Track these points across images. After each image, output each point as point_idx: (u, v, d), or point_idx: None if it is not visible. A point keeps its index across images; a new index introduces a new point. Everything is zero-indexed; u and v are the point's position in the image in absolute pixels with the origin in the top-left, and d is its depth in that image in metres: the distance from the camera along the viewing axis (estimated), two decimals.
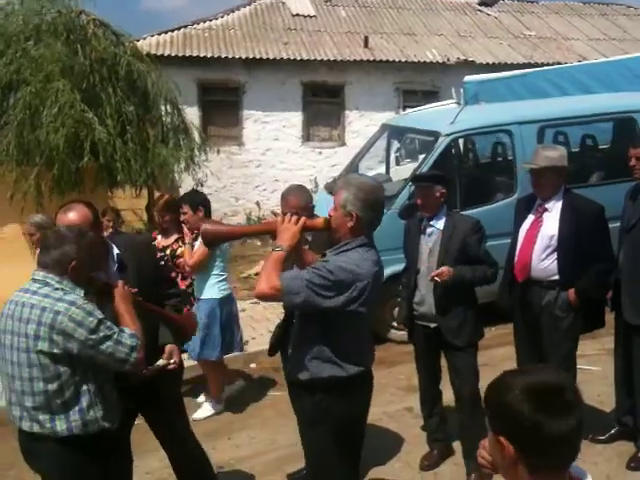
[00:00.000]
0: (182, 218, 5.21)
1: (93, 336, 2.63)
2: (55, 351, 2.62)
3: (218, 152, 10.65)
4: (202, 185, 10.67)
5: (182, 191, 12.03)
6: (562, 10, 17.31)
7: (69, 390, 2.69)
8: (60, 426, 2.70)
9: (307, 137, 13.49)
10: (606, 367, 4.99)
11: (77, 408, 2.71)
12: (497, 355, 5.81)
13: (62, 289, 2.69)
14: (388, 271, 6.20)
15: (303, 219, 2.93)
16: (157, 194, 10.05)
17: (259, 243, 12.13)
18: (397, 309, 6.45)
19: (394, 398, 5.42)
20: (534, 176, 4.27)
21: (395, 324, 6.66)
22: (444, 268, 4.00)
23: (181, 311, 3.73)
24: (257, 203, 13.15)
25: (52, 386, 2.67)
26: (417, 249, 4.27)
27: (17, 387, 2.72)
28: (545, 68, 10.91)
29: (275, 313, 7.53)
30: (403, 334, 6.50)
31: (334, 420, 2.97)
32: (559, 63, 12.76)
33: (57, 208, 8.56)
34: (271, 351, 4.26)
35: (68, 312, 2.61)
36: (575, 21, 16.69)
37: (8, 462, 4.84)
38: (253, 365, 6.41)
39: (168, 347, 3.31)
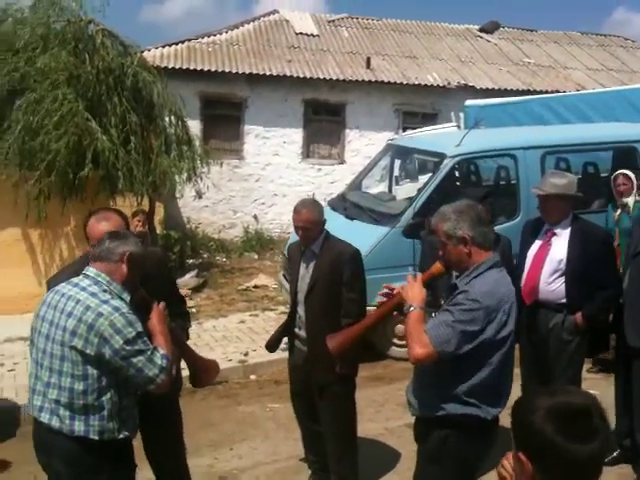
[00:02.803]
0: None
1: (128, 347, 2.61)
2: (88, 351, 2.61)
3: (221, 164, 10.70)
4: (201, 197, 10.72)
5: (181, 202, 12.13)
6: (561, 39, 17.62)
7: (92, 395, 2.67)
8: (78, 426, 2.68)
9: (307, 154, 13.58)
10: (604, 391, 5.05)
11: (98, 414, 2.69)
12: None
13: (110, 292, 2.70)
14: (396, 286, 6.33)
15: (419, 275, 2.93)
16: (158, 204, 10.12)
17: (256, 256, 12.17)
18: (398, 326, 6.49)
19: (394, 414, 5.45)
20: (541, 201, 4.36)
21: (396, 341, 6.69)
22: None
23: (187, 331, 3.67)
24: (255, 217, 13.19)
25: (78, 386, 2.65)
26: None
27: (44, 377, 2.71)
28: (545, 95, 11.10)
29: (274, 326, 7.56)
30: (403, 351, 6.57)
31: (459, 459, 2.84)
32: (557, 91, 13.00)
33: (55, 215, 8.58)
34: (270, 348, 4.31)
35: (110, 317, 2.60)
36: (574, 51, 16.98)
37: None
38: (253, 377, 6.42)
39: None
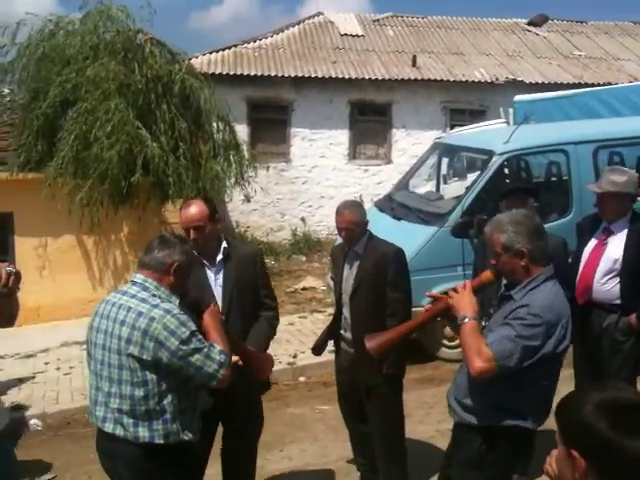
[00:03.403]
0: None
1: (184, 347, 2.62)
2: (144, 357, 2.63)
3: (268, 169, 10.78)
4: (249, 200, 10.83)
5: (230, 206, 12.27)
6: (612, 30, 17.15)
7: (153, 399, 2.68)
8: (142, 432, 2.69)
9: (353, 155, 13.57)
10: None
11: (161, 418, 2.70)
12: None
13: (159, 296, 2.72)
14: (441, 288, 6.25)
15: (469, 282, 2.87)
16: None
17: (304, 259, 12.22)
18: (448, 327, 6.42)
19: (445, 416, 5.29)
20: (598, 199, 4.23)
21: (446, 342, 6.62)
22: None
23: (274, 326, 3.76)
24: (302, 219, 13.26)
25: (138, 392, 2.67)
26: None
27: (104, 387, 2.73)
28: (597, 88, 10.80)
29: (322, 328, 7.57)
30: (452, 352, 6.50)
31: (502, 468, 2.84)
32: (609, 83, 12.64)
33: (108, 221, 8.75)
34: (316, 351, 4.31)
35: (163, 320, 2.62)
36: (626, 41, 16.50)
37: (64, 464, 4.99)
38: (302, 378, 6.45)
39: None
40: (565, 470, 1.56)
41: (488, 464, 2.81)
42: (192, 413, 2.84)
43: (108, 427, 2.74)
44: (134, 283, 2.78)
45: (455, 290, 2.83)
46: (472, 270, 4.64)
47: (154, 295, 2.71)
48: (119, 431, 2.72)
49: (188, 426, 2.78)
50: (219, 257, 3.51)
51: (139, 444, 2.70)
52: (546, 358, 2.66)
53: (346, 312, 4.04)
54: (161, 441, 2.71)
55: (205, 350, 2.66)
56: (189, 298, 2.95)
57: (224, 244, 3.54)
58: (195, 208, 3.39)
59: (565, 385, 4.97)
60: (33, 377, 6.58)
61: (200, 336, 2.70)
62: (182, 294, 2.88)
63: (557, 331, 2.65)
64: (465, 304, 2.77)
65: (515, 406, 2.75)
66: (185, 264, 2.82)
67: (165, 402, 2.69)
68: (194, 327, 2.69)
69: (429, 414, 5.53)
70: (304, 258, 12.26)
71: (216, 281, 3.50)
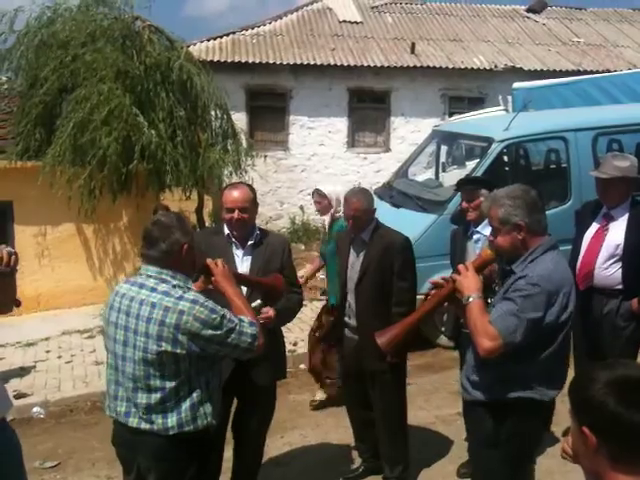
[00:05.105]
0: None
1: (218, 332, 2.61)
2: (178, 351, 2.59)
3: (265, 158, 10.75)
4: None
5: None
6: (611, 17, 17.08)
7: (184, 387, 2.65)
8: (171, 422, 2.65)
9: (352, 143, 13.55)
10: None
11: (189, 404, 2.67)
12: None
13: (179, 286, 2.66)
14: (440, 277, 6.27)
15: (470, 263, 2.88)
16: (206, 197, 10.24)
17: (303, 247, 12.22)
18: (446, 315, 6.44)
19: (446, 402, 5.42)
20: (601, 185, 4.22)
21: (444, 329, 6.64)
22: None
23: (293, 310, 3.77)
24: (301, 207, 13.24)
25: (170, 384, 2.63)
26: (464, 257, 4.18)
27: (128, 384, 2.67)
28: (595, 75, 10.78)
29: None
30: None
31: (516, 443, 2.82)
32: (608, 70, 12.61)
33: (107, 210, 8.68)
34: (324, 341, 4.37)
35: (192, 311, 2.57)
36: (625, 28, 16.45)
37: (68, 451, 5.01)
38: (302, 366, 6.45)
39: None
40: (579, 447, 1.60)
41: (502, 442, 2.83)
42: (217, 395, 2.82)
43: (132, 422, 2.69)
44: (149, 276, 2.69)
45: (458, 273, 2.85)
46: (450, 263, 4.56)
47: (174, 286, 2.64)
48: (145, 425, 2.66)
49: (213, 409, 2.76)
50: (250, 241, 3.58)
51: (167, 435, 2.66)
52: (549, 328, 2.68)
53: (351, 299, 4.06)
54: (190, 427, 2.67)
55: (237, 328, 2.66)
56: (198, 265, 2.93)
57: (257, 231, 3.63)
58: (241, 190, 3.55)
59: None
60: (35, 366, 6.59)
61: (229, 316, 2.67)
62: (193, 268, 2.87)
63: (559, 299, 2.67)
64: (469, 284, 2.78)
65: (518, 377, 2.76)
66: (193, 242, 2.76)
67: (195, 387, 2.68)
68: (222, 310, 2.66)
69: (428, 400, 5.56)
70: (303, 246, 12.24)
71: (243, 262, 3.56)
